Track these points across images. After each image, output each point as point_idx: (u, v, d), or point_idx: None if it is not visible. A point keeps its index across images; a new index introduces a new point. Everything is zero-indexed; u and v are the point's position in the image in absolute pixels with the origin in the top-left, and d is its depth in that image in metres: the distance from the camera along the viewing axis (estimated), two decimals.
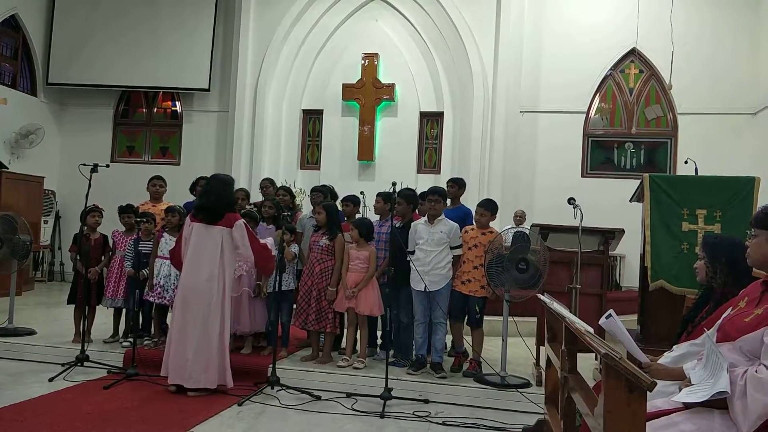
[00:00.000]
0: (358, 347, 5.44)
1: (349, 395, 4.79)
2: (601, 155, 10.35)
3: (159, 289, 5.55)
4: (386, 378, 4.62)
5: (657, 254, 4.75)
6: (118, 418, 4.06)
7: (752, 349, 2.22)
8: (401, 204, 5.59)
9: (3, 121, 10.02)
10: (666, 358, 2.82)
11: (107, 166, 5.80)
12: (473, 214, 5.55)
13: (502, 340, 5.06)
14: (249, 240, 4.81)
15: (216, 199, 4.81)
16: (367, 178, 10.34)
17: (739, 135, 9.57)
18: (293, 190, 7.39)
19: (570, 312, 3.31)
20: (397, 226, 5.51)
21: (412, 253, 5.26)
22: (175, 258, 4.99)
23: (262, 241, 5.06)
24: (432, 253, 5.18)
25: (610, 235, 5.62)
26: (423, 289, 5.13)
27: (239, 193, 6.78)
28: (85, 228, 5.82)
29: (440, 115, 10.53)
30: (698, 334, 2.80)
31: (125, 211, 6.03)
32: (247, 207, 6.33)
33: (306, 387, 4.85)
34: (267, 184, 6.99)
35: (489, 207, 5.39)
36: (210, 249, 4.71)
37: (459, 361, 5.33)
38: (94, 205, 5.79)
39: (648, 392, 1.91)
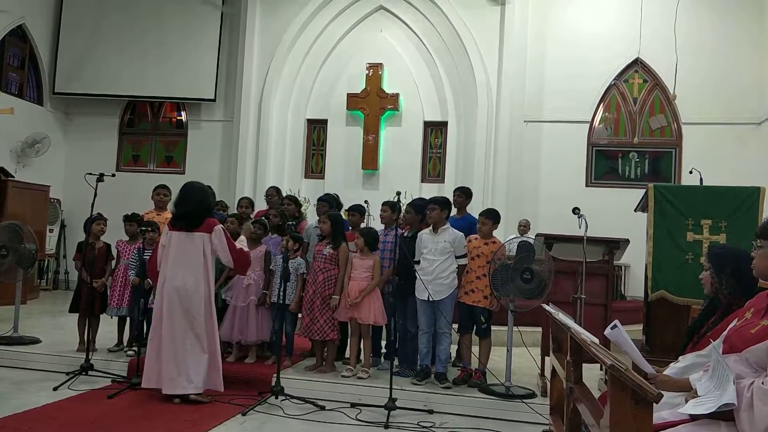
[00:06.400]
0: (362, 357, 5.44)
1: (353, 405, 4.78)
2: (605, 165, 10.35)
3: None
4: (390, 388, 4.61)
5: (658, 264, 4.73)
6: (122, 428, 4.06)
7: (759, 361, 2.21)
8: (410, 213, 5.60)
9: (9, 130, 10.08)
10: (672, 369, 2.80)
11: (113, 175, 5.81)
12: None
13: (507, 350, 5.05)
14: (228, 245, 4.82)
15: (195, 206, 4.82)
16: (371, 188, 10.36)
17: (744, 145, 9.55)
18: (299, 199, 7.38)
19: (575, 322, 3.30)
20: (405, 235, 5.52)
21: (418, 262, 5.26)
22: (151, 267, 4.98)
23: (238, 245, 5.08)
24: (435, 262, 5.18)
25: (614, 245, 5.60)
26: (427, 299, 5.13)
27: (243, 202, 6.81)
28: (90, 237, 5.84)
29: (444, 124, 10.56)
30: (704, 345, 2.78)
31: (130, 219, 6.05)
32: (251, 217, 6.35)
33: (310, 397, 4.84)
34: (273, 193, 6.99)
35: (490, 216, 5.39)
36: (192, 256, 4.71)
37: (464, 375, 5.24)
38: (98, 213, 5.82)
39: (654, 404, 1.91)
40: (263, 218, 5.97)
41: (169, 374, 4.60)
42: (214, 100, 11.07)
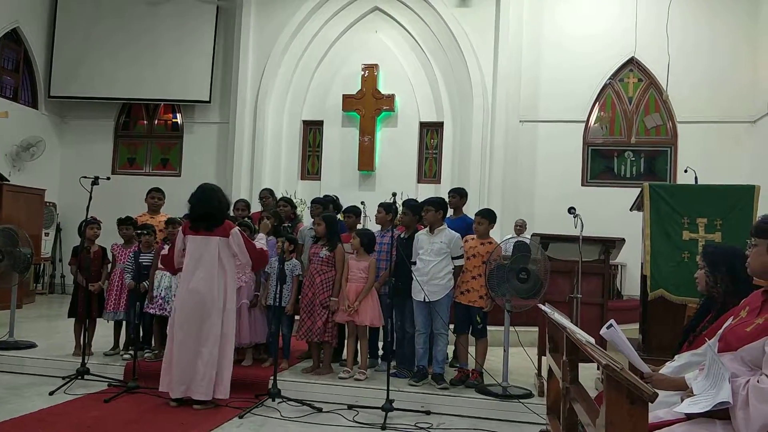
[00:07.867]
0: (359, 358, 5.43)
1: (350, 407, 4.77)
2: (601, 164, 10.36)
3: (160, 301, 5.54)
4: (387, 389, 4.61)
5: (656, 263, 4.74)
6: None
7: (754, 359, 2.22)
8: (407, 214, 5.59)
9: (4, 133, 10.05)
10: (668, 368, 2.81)
11: (108, 178, 5.77)
12: None
13: (504, 350, 5.05)
14: (246, 246, 4.82)
15: (218, 206, 4.81)
16: (367, 188, 10.36)
17: (739, 143, 9.58)
18: (293, 200, 7.38)
19: (571, 322, 3.31)
20: (402, 236, 5.52)
21: (414, 263, 5.26)
22: (169, 264, 4.98)
23: (258, 244, 5.07)
24: (431, 263, 5.18)
25: (610, 244, 5.61)
26: (423, 299, 5.13)
27: (239, 204, 6.80)
28: (85, 241, 5.82)
29: (440, 125, 10.56)
30: (700, 343, 2.79)
31: (124, 222, 6.03)
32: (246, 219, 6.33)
33: (307, 399, 4.83)
34: (266, 195, 7.00)
35: (487, 215, 5.40)
36: (208, 260, 4.69)
37: (461, 376, 5.26)
38: (92, 217, 5.76)
39: (650, 403, 1.91)
40: (246, 219, 5.97)
41: (179, 379, 4.60)
42: (209, 102, 11.06)
